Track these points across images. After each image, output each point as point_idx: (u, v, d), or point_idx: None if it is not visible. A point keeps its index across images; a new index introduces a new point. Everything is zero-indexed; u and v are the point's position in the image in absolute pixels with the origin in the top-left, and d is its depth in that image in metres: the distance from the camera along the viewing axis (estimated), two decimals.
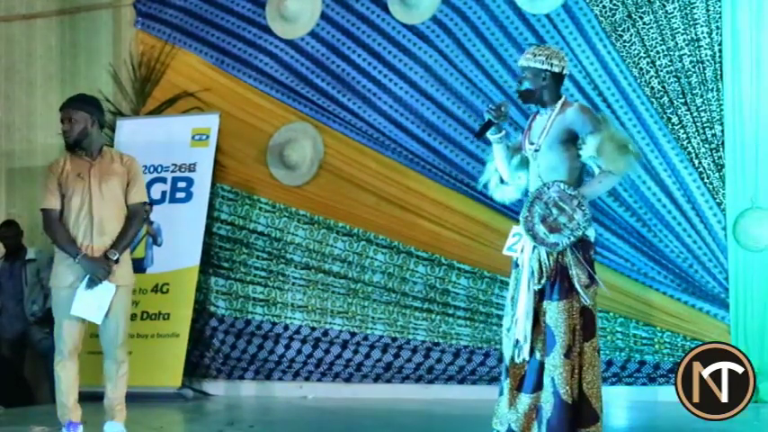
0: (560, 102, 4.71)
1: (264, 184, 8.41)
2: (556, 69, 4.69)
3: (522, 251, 4.68)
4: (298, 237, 8.26)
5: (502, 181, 4.99)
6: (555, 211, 4.51)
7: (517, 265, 4.72)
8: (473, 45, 7.84)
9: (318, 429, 6.67)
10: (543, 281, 4.55)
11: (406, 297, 7.93)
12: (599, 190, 4.67)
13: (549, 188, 4.55)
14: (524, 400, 4.58)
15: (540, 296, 4.59)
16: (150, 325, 8.05)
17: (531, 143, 4.73)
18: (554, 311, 4.51)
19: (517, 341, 4.59)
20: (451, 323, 7.78)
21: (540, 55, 4.70)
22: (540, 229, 4.52)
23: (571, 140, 4.63)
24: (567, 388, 4.44)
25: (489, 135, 4.82)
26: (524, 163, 4.85)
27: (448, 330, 7.79)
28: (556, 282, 4.54)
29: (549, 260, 4.55)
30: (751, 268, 7.07)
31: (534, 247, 4.60)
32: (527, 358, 4.58)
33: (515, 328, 4.60)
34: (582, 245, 4.55)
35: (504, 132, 4.83)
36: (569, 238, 4.49)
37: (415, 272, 7.93)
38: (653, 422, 6.45)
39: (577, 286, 4.49)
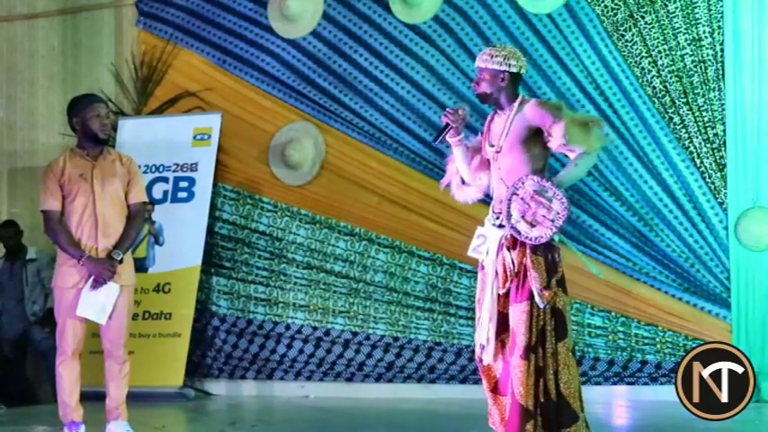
0: (518, 101, 4.69)
1: (266, 184, 8.42)
2: (514, 69, 4.65)
3: (487, 253, 4.68)
4: (299, 236, 8.27)
5: (463, 182, 4.98)
6: (533, 205, 4.49)
7: (483, 267, 4.72)
8: (475, 45, 7.83)
9: (320, 429, 6.67)
10: (508, 284, 4.55)
11: (407, 297, 7.93)
12: (577, 173, 4.61)
13: (523, 183, 4.52)
14: (503, 401, 4.59)
15: (506, 299, 4.59)
16: (152, 324, 8.06)
17: (492, 145, 4.71)
18: (516, 313, 4.50)
19: (483, 344, 4.60)
20: (453, 323, 7.78)
21: (497, 56, 4.65)
22: (522, 226, 4.50)
23: (532, 138, 4.60)
24: (521, 389, 4.42)
25: (448, 138, 4.81)
26: (485, 164, 4.83)
27: (450, 330, 7.79)
28: (519, 284, 4.53)
29: (513, 264, 4.54)
30: (752, 268, 7.07)
31: (498, 250, 4.60)
32: (491, 361, 4.60)
33: (479, 331, 4.61)
34: (545, 247, 4.53)
35: (462, 135, 4.82)
36: (551, 229, 4.47)
37: (416, 271, 7.93)
38: (654, 422, 6.45)
39: (533, 289, 4.48)
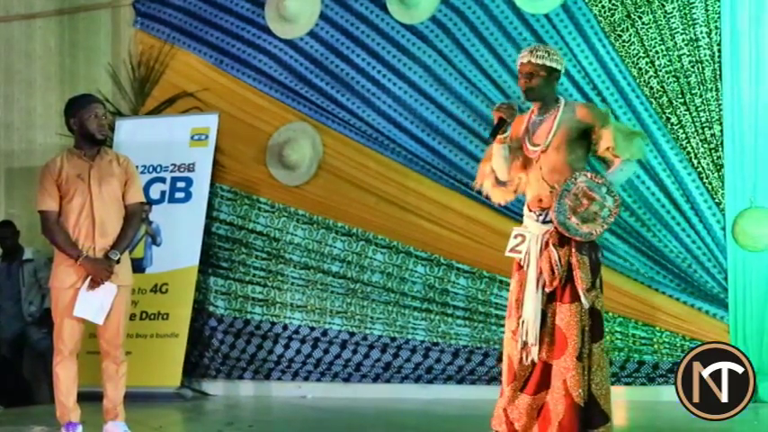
0: (562, 101, 4.71)
1: (263, 184, 8.41)
2: (563, 70, 4.74)
3: (526, 252, 4.66)
4: (297, 236, 8.26)
5: (498, 181, 4.95)
6: (585, 201, 4.50)
7: (521, 267, 4.70)
8: (472, 45, 7.84)
9: (317, 429, 6.67)
10: (555, 282, 4.54)
11: (405, 297, 7.93)
12: (621, 178, 4.68)
13: (576, 179, 4.53)
14: (525, 399, 4.58)
15: (548, 297, 4.58)
16: (149, 325, 8.05)
17: (536, 144, 4.70)
18: (566, 314, 4.50)
19: (525, 343, 4.58)
20: (450, 323, 7.78)
21: (554, 54, 4.71)
22: (573, 221, 4.50)
23: (578, 140, 4.63)
24: (580, 390, 4.44)
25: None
26: (524, 163, 4.81)
27: (447, 330, 7.78)
28: (567, 284, 4.53)
29: (560, 262, 4.53)
30: (750, 268, 7.07)
31: (543, 247, 4.59)
32: (536, 360, 4.58)
33: (523, 330, 4.59)
34: (591, 247, 4.54)
35: (509, 132, 4.79)
36: (602, 226, 4.50)
37: (414, 272, 7.93)
38: (652, 422, 6.45)
39: (578, 289, 4.48)
